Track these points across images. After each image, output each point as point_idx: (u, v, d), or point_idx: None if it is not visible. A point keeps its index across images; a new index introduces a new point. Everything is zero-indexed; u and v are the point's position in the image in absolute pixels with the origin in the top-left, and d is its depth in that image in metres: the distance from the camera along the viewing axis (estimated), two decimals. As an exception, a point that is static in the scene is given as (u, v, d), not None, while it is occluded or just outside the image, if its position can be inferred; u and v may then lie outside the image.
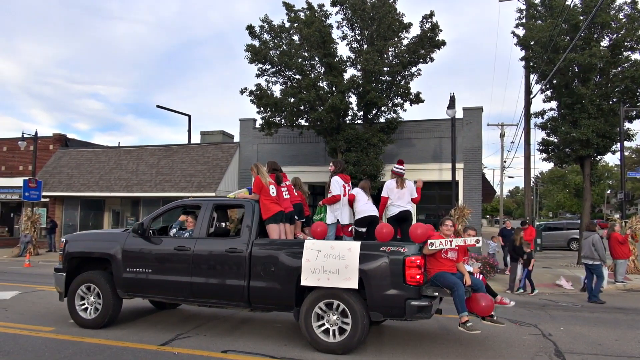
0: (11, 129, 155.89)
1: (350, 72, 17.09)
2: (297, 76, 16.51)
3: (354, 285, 5.83)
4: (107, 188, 21.80)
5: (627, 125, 17.48)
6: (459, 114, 17.85)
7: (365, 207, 7.27)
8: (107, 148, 25.17)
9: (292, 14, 16.69)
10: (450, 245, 6.00)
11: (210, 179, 20.49)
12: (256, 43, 16.69)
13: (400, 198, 7.52)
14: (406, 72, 16.62)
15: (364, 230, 7.20)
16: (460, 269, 6.21)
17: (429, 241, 5.95)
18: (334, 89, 16.15)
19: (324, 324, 6.06)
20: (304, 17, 16.35)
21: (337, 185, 7.43)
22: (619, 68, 17.05)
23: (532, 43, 17.60)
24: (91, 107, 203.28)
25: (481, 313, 6.16)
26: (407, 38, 16.68)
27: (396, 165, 7.77)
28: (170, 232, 7.47)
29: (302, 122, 17.16)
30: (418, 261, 5.75)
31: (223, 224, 7.78)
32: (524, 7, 19.15)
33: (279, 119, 17.04)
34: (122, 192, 21.48)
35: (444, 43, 16.39)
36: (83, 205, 23.83)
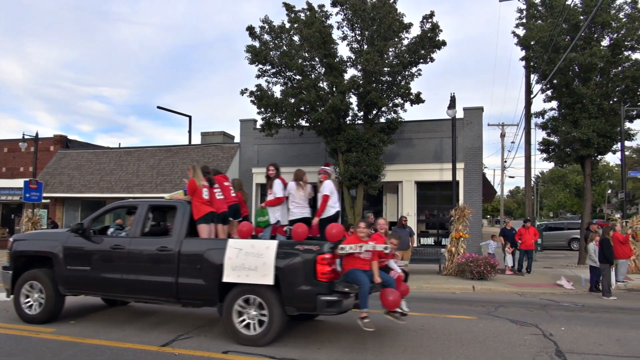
0: (14, 130, 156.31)
1: (350, 73, 17.07)
2: (298, 77, 16.49)
3: (270, 281, 6.15)
4: (107, 189, 21.81)
5: (627, 124, 17.50)
6: (460, 114, 17.83)
7: (297, 209, 7.71)
8: (107, 149, 25.18)
9: (293, 15, 16.67)
10: (360, 250, 6.31)
11: (210, 179, 20.48)
12: (256, 44, 16.69)
13: (336, 198, 7.91)
14: (406, 73, 16.59)
15: None
16: (372, 267, 6.46)
17: (340, 246, 6.30)
18: (334, 89, 16.14)
19: (244, 318, 6.37)
20: (304, 18, 16.33)
21: (280, 188, 7.86)
22: (620, 68, 17.06)
23: (532, 43, 17.61)
24: (94, 108, 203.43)
25: (388, 307, 6.44)
26: (408, 38, 16.65)
27: (327, 167, 8.11)
28: (108, 232, 7.86)
29: (303, 122, 17.14)
30: (329, 259, 6.06)
31: (159, 224, 8.07)
32: (524, 7, 19.17)
33: (279, 119, 17.02)
34: (122, 193, 21.44)
35: (444, 43, 16.38)
36: (84, 206, 23.83)
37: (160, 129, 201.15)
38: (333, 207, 7.67)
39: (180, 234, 6.93)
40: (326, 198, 7.60)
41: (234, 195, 7.92)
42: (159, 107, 28.15)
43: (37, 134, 22.70)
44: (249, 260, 6.28)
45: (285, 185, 7.92)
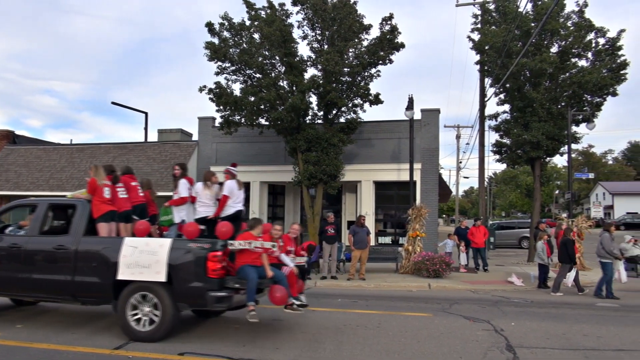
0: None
1: (310, 72, 17.04)
2: (258, 75, 16.37)
3: (162, 278, 6.30)
4: (58, 187, 20.93)
5: (574, 128, 18.34)
6: (417, 115, 18.16)
7: (202, 208, 7.82)
8: (58, 145, 24.18)
9: (253, 12, 16.52)
10: (250, 246, 6.49)
11: (167, 177, 20.01)
12: (216, 41, 16.45)
13: (238, 198, 8.08)
14: (366, 73, 16.75)
15: (203, 228, 7.59)
16: (263, 261, 6.63)
17: (229, 242, 6.48)
18: (294, 88, 16.11)
19: (137, 315, 6.48)
20: (264, 16, 16.23)
21: (184, 187, 7.98)
22: (567, 74, 17.85)
23: (486, 48, 18.17)
24: (45, 103, 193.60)
25: (275, 303, 6.64)
26: (367, 39, 16.82)
27: (231, 167, 8.28)
28: (7, 231, 7.85)
29: (262, 121, 17.02)
30: (220, 256, 6.27)
31: (67, 222, 8.00)
32: (479, 12, 19.75)
33: (238, 117, 16.83)
34: (74, 191, 20.68)
35: (402, 45, 16.63)
36: (32, 204, 22.80)
37: (115, 125, 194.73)
38: (232, 206, 7.87)
39: (78, 232, 6.98)
40: (225, 198, 7.81)
41: (141, 194, 7.98)
42: (113, 103, 27.38)
43: (-20, 129, 21.55)
44: (143, 258, 6.39)
45: (191, 184, 8.08)
